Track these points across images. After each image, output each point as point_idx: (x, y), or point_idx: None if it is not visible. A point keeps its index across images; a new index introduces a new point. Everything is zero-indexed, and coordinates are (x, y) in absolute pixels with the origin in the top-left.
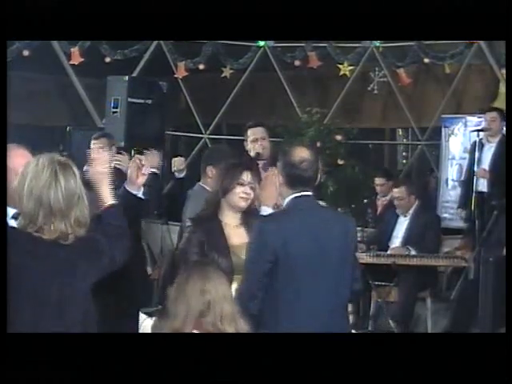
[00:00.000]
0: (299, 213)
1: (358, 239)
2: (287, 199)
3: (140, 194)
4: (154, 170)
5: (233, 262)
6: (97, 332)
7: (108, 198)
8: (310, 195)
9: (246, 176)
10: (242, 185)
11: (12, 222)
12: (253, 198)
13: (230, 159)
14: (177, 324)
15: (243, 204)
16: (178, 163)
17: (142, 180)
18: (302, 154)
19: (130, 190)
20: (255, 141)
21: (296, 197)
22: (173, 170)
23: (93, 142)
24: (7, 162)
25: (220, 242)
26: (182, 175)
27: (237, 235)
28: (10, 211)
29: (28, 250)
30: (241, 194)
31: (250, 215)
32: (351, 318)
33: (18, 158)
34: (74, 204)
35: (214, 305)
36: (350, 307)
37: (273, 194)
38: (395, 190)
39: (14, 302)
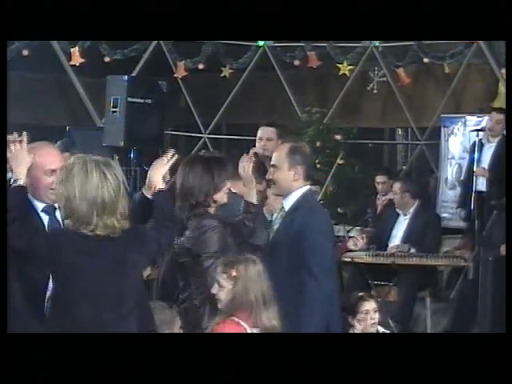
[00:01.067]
0: (314, 204)
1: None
2: (302, 190)
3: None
4: None
5: None
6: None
7: (159, 182)
8: (315, 191)
9: (230, 172)
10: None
11: (44, 217)
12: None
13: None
14: None
15: (226, 199)
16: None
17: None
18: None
19: (146, 194)
20: (259, 140)
21: (310, 189)
22: None
23: None
24: (35, 158)
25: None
26: None
27: None
28: (39, 205)
29: (79, 248)
30: (227, 191)
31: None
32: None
33: (49, 157)
34: (119, 200)
35: None
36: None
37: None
38: (394, 184)
39: (70, 301)
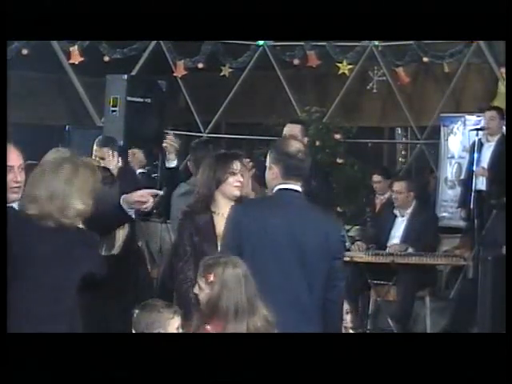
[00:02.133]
0: (283, 206)
1: (357, 238)
2: (275, 189)
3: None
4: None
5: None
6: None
7: None
8: (298, 191)
9: (236, 165)
10: (234, 174)
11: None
12: (244, 186)
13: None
14: None
15: (237, 192)
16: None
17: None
18: (296, 144)
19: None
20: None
21: (284, 188)
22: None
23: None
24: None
25: (211, 234)
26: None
27: None
28: None
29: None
30: (235, 183)
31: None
32: (349, 316)
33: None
34: (70, 197)
35: None
36: (347, 306)
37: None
38: (396, 183)
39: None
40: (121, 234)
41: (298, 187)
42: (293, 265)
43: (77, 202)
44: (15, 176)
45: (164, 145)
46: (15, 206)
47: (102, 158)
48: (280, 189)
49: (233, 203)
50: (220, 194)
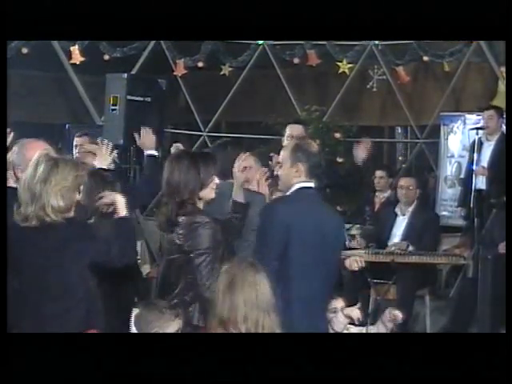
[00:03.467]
0: (306, 201)
1: (357, 237)
2: (296, 186)
3: None
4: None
5: None
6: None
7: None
8: (313, 187)
9: (217, 168)
10: (214, 177)
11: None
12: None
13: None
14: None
15: (213, 195)
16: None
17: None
18: (316, 145)
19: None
20: (290, 137)
21: (305, 187)
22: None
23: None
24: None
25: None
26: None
27: None
28: None
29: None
30: (214, 186)
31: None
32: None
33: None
34: (48, 193)
35: None
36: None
37: None
38: (403, 179)
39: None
40: None
41: (313, 184)
42: (321, 256)
43: (57, 198)
44: None
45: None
46: None
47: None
48: (302, 187)
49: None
50: (198, 197)
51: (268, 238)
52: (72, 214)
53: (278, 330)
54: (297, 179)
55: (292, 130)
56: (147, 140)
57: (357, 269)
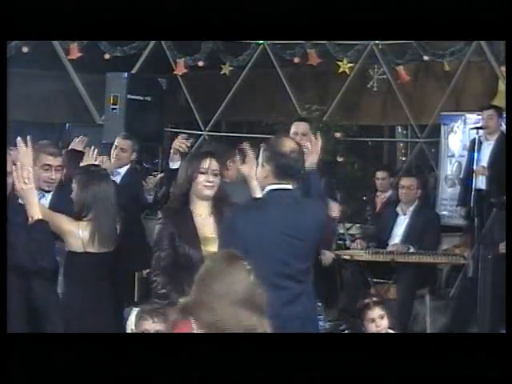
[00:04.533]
0: (276, 206)
1: (357, 236)
2: (267, 189)
3: None
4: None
5: (203, 255)
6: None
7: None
8: (290, 189)
9: (207, 163)
10: (203, 173)
11: None
12: (218, 183)
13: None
14: None
15: (208, 192)
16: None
17: None
18: (291, 144)
19: None
20: (295, 135)
21: (275, 189)
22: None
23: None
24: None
25: (191, 233)
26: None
27: (207, 226)
28: None
29: None
30: (204, 183)
31: (221, 204)
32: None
33: None
34: None
35: None
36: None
37: None
38: (404, 178)
39: None
40: (116, 230)
41: (289, 186)
42: (286, 260)
43: None
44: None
45: (175, 146)
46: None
47: (123, 150)
48: (272, 189)
49: (206, 204)
50: (193, 193)
51: (228, 244)
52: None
53: (257, 326)
54: (267, 180)
55: (297, 128)
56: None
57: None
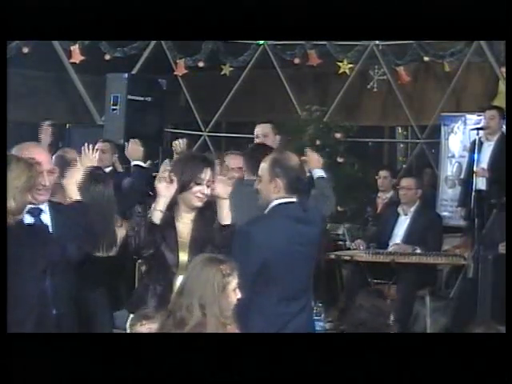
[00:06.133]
0: (284, 217)
1: (357, 237)
2: (274, 203)
3: None
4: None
5: (179, 259)
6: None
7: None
8: (295, 202)
9: (206, 174)
10: (200, 184)
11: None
12: (209, 195)
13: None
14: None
15: (199, 204)
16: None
17: None
18: (295, 158)
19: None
20: (256, 137)
21: (284, 203)
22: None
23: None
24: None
25: (171, 237)
26: None
27: (187, 231)
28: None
29: None
30: (197, 194)
31: (205, 210)
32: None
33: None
34: None
35: None
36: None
37: None
38: (405, 179)
39: None
40: (119, 235)
41: (294, 199)
42: (297, 268)
43: (10, 200)
44: (43, 179)
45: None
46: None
47: (104, 151)
48: (280, 203)
49: (192, 213)
50: (181, 200)
51: (246, 260)
52: (23, 216)
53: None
54: (276, 195)
55: (258, 130)
56: (134, 151)
57: None
